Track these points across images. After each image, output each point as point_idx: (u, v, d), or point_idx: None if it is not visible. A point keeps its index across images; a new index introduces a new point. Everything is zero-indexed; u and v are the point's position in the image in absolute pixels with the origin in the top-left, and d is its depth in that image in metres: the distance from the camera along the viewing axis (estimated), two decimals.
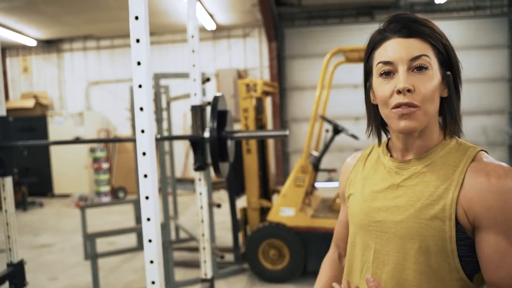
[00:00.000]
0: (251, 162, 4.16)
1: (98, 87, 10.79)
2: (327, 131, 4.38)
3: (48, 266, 4.87)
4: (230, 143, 2.24)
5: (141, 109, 1.45)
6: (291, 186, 3.97)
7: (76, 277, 4.45)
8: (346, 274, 1.11)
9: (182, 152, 9.73)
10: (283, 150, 10.05)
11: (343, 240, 1.22)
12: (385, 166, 1.04)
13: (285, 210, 3.90)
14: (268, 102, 9.39)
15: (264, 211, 4.34)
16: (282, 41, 10.00)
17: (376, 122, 1.05)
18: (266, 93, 4.52)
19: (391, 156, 1.04)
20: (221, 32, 10.23)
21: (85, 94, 10.85)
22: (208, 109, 2.23)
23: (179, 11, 8.57)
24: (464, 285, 0.92)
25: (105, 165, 9.10)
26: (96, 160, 9.06)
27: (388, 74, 0.94)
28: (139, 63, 1.44)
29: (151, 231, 1.49)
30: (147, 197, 1.48)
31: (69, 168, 9.62)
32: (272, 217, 3.98)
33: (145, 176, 1.47)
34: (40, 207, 8.67)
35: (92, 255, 3.56)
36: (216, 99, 2.17)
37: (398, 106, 0.91)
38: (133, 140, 1.55)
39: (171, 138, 2.56)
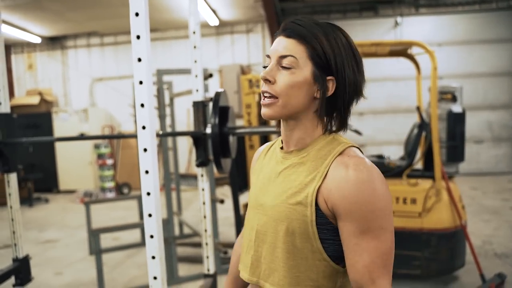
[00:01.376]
0: None
1: (102, 83, 10.82)
2: None
3: (53, 261, 4.91)
4: (232, 139, 2.24)
5: (142, 105, 1.46)
6: None
7: (81, 272, 4.49)
8: (241, 253, 1.23)
9: (186, 148, 9.75)
10: None
11: None
12: (276, 156, 1.16)
13: None
14: None
15: None
16: None
17: None
18: None
19: (282, 148, 1.16)
20: (224, 28, 10.22)
21: (89, 91, 10.89)
22: (211, 105, 2.23)
23: (182, 7, 8.57)
24: (327, 265, 1.03)
25: (109, 161, 9.14)
26: (100, 156, 9.11)
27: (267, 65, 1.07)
28: (139, 60, 1.45)
29: (153, 226, 1.50)
30: (148, 193, 1.49)
31: (74, 164, 9.67)
32: None
33: (147, 172, 1.48)
34: (45, 203, 8.73)
35: (96, 251, 3.58)
36: (217, 95, 2.17)
37: (263, 93, 1.06)
38: (136, 136, 1.56)
39: (173, 134, 2.56)
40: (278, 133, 2.36)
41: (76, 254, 5.12)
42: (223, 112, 2.16)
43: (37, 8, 8.34)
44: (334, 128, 1.09)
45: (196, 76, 2.28)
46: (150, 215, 1.50)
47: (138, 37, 1.44)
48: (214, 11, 9.11)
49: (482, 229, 5.27)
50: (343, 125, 1.09)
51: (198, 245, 4.87)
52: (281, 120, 1.11)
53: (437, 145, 3.56)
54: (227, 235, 5.37)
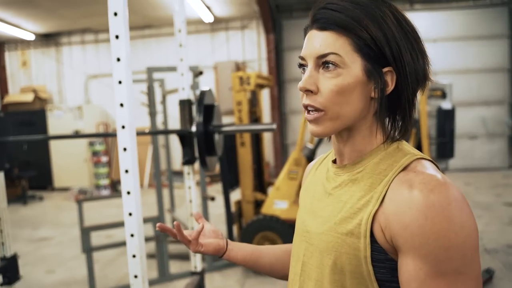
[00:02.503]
0: (245, 155, 4.17)
1: (96, 80, 10.79)
2: None
3: (46, 259, 4.92)
4: (217, 137, 2.25)
5: (121, 105, 1.46)
6: (284, 179, 3.98)
7: (73, 270, 4.49)
8: (288, 284, 1.02)
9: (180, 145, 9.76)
10: (281, 142, 10.06)
11: None
12: (328, 169, 0.94)
13: (279, 203, 3.92)
14: (265, 94, 9.39)
15: (259, 204, 4.36)
16: (280, 33, 9.97)
17: None
18: (260, 86, 4.52)
19: (335, 161, 0.94)
20: (219, 24, 10.20)
21: (84, 88, 10.86)
22: None
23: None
24: None
25: (104, 159, 9.14)
26: (95, 153, 9.10)
27: (303, 69, 0.86)
28: (118, 59, 1.45)
29: (133, 225, 1.51)
30: (128, 192, 1.49)
31: (69, 161, 9.66)
32: (266, 209, 4.00)
33: (126, 171, 1.48)
34: (40, 200, 8.72)
35: (87, 249, 3.59)
36: (202, 93, 2.18)
37: (305, 107, 0.84)
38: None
39: (159, 132, 2.57)
40: (266, 131, 2.36)
41: (69, 252, 5.12)
42: (208, 111, 2.17)
43: (30, 5, 8.31)
44: (397, 133, 0.86)
45: (182, 74, 2.28)
46: (130, 214, 1.50)
47: (117, 36, 1.45)
48: (208, 8, 9.09)
49: None
50: (406, 127, 0.85)
51: None
52: None
53: (426, 141, 3.57)
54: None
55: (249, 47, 10.22)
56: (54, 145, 9.69)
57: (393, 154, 0.82)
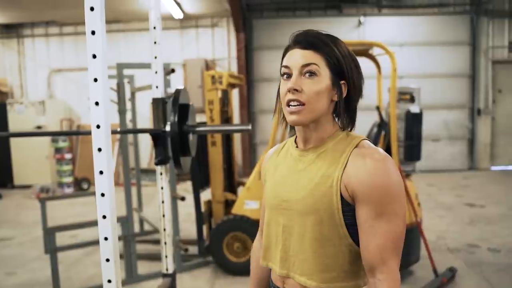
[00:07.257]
0: (216, 154, 4.13)
1: (60, 74, 10.44)
2: None
3: (6, 260, 4.72)
4: (192, 137, 2.21)
5: (97, 103, 1.41)
6: (255, 179, 3.97)
7: (35, 272, 4.33)
8: (264, 250, 1.29)
9: (148, 143, 9.58)
10: (250, 142, 10.06)
11: None
12: (292, 154, 1.26)
13: (249, 203, 3.91)
14: (235, 93, 9.35)
15: (229, 204, 4.33)
16: (250, 32, 9.96)
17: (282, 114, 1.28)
18: (232, 85, 4.49)
19: (297, 147, 1.25)
20: (188, 21, 10.08)
21: (47, 82, 10.49)
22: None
23: None
24: (352, 250, 1.13)
25: (67, 156, 8.84)
26: (58, 150, 8.79)
27: (287, 76, 1.17)
28: (94, 56, 1.40)
29: (108, 228, 1.46)
30: (103, 194, 1.44)
31: (30, 158, 9.30)
32: (236, 210, 3.98)
33: (101, 172, 1.43)
34: None
35: (51, 249, 3.46)
36: (177, 92, 2.13)
37: (288, 103, 1.14)
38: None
39: (132, 131, 2.50)
40: (241, 132, 2.33)
41: (31, 253, 4.93)
42: (183, 110, 2.13)
43: None
44: (346, 126, 1.20)
45: (156, 72, 2.23)
46: (104, 217, 1.45)
47: (93, 32, 1.39)
48: (178, 4, 8.96)
49: (437, 225, 5.47)
50: (353, 122, 1.22)
51: (159, 242, 4.80)
52: None
53: (395, 144, 3.65)
54: (189, 232, 5.32)
55: (219, 45, 10.16)
56: (14, 140, 9.31)
57: (345, 138, 1.19)
